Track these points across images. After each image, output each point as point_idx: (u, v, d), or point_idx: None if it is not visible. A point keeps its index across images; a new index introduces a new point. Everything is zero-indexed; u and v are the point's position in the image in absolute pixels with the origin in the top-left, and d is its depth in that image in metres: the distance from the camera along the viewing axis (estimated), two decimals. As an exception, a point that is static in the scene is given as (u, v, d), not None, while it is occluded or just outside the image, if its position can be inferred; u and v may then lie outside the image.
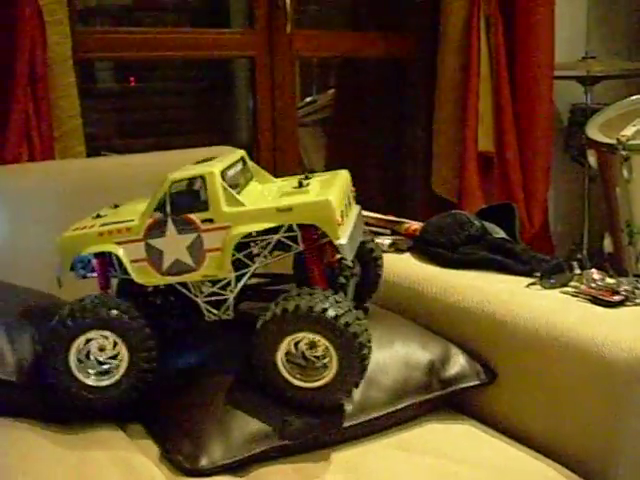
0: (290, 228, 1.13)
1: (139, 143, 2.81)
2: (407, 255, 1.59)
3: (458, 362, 1.30)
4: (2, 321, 1.24)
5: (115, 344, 1.14)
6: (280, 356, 1.11)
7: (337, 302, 1.08)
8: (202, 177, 1.13)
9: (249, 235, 1.13)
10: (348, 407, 1.18)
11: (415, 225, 1.62)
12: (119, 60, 2.38)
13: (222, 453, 1.09)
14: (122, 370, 1.15)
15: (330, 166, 3.04)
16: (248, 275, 1.18)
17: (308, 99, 3.18)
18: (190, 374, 1.25)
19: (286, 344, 1.10)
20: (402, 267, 1.54)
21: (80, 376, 1.15)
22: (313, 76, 3.29)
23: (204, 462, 1.08)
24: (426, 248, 1.55)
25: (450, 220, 1.54)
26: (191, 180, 1.15)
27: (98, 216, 1.26)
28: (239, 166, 1.25)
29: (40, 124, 1.84)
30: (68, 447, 1.13)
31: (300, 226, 1.13)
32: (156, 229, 1.15)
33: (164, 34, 2.28)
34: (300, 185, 1.18)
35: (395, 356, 1.27)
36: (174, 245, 1.15)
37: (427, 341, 1.32)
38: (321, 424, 1.15)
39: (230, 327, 1.25)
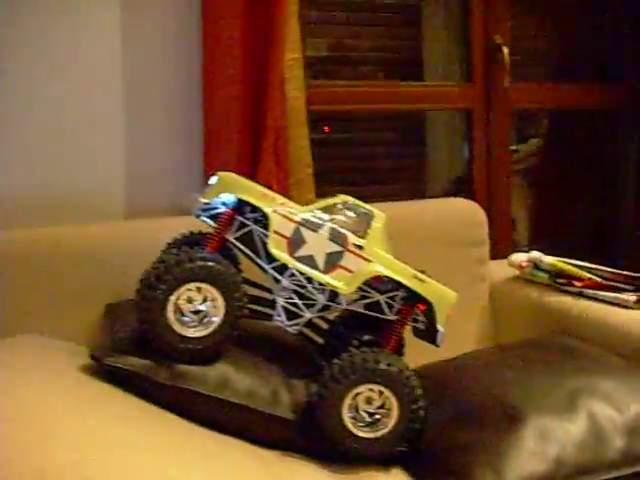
0: (392, 298, 1.30)
1: (333, 191, 2.88)
2: (654, 311, 1.57)
3: None
4: (277, 361, 1.33)
5: (205, 299, 1.21)
6: (345, 408, 1.21)
7: (399, 360, 1.25)
8: (371, 213, 1.31)
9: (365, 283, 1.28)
10: (613, 456, 1.18)
11: (660, 281, 1.59)
12: (345, 112, 2.48)
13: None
14: (219, 320, 1.22)
15: (534, 216, 3.02)
16: (333, 310, 1.33)
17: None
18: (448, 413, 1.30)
19: (352, 396, 1.21)
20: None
21: (177, 327, 1.21)
22: (513, 125, 3.28)
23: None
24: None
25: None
26: (359, 210, 1.31)
27: None
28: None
29: (279, 174, 1.95)
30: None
31: (404, 301, 1.29)
32: (313, 223, 1.28)
33: (387, 87, 2.39)
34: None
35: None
36: (318, 244, 1.27)
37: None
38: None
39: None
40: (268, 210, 1.27)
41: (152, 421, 1.12)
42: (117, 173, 1.92)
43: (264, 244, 1.30)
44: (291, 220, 1.27)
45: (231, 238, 1.32)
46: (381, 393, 1.23)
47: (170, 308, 1.20)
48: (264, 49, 1.87)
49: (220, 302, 1.22)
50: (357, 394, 1.22)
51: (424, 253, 1.73)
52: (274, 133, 1.89)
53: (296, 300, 1.31)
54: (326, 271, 1.27)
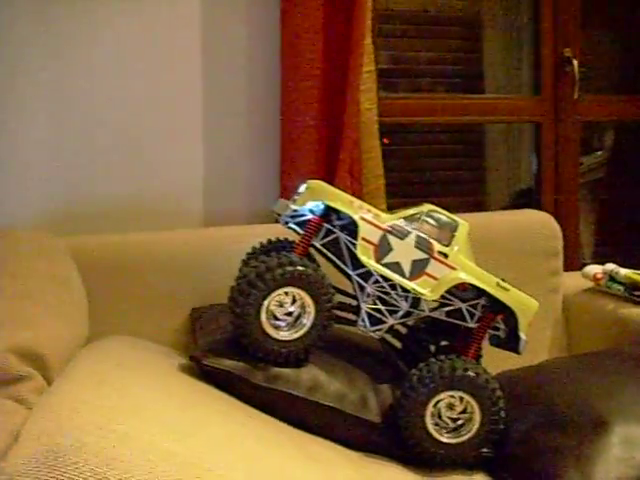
0: (474, 306, 1.33)
1: (395, 202, 2.89)
2: None
3: None
4: (363, 365, 1.37)
5: (294, 300, 1.24)
6: (428, 415, 1.24)
7: (476, 365, 1.28)
8: (455, 222, 1.34)
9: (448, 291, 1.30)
10: None
11: None
12: (411, 125, 2.51)
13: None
14: (310, 323, 1.25)
15: (599, 229, 3.01)
16: (414, 317, 1.35)
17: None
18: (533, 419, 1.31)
19: (433, 403, 1.24)
20: None
21: (270, 331, 1.24)
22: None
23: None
24: None
25: None
26: (443, 219, 1.33)
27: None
28: None
29: (353, 184, 1.99)
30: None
31: (485, 309, 1.32)
32: (399, 231, 1.30)
33: (454, 100, 2.41)
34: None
35: None
36: (404, 251, 1.29)
37: None
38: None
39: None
40: (356, 217, 1.30)
41: (254, 420, 1.16)
42: (196, 181, 1.98)
43: (350, 251, 1.33)
44: (378, 227, 1.30)
45: (317, 244, 1.35)
46: (462, 399, 1.26)
47: (263, 313, 1.23)
48: (342, 62, 1.91)
49: (311, 306, 1.25)
50: (438, 401, 1.25)
51: (498, 263, 1.74)
52: (350, 145, 1.93)
53: (380, 306, 1.34)
54: (412, 278, 1.29)
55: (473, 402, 1.25)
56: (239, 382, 1.23)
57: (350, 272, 1.34)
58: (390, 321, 1.34)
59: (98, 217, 1.87)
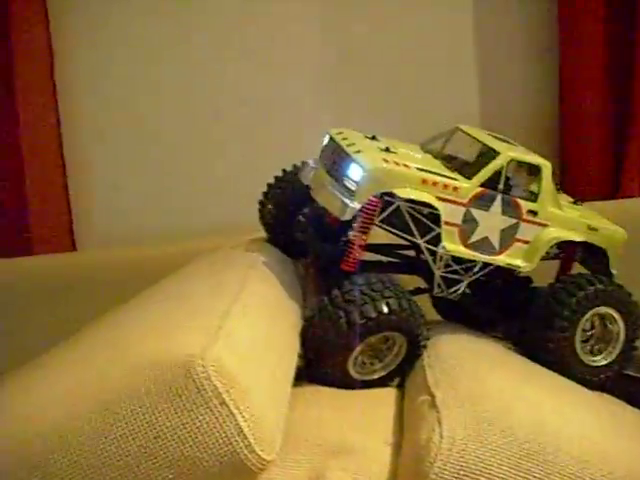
0: None
1: None
2: None
3: None
4: None
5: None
6: (578, 334, 1.14)
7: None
8: (538, 166, 1.15)
9: None
10: None
11: None
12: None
13: None
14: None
15: None
16: (490, 268, 1.18)
17: None
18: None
19: (584, 321, 1.14)
20: None
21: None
22: None
23: None
24: None
25: None
26: (526, 165, 1.15)
27: (387, 149, 1.13)
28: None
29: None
30: None
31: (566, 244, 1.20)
32: (483, 201, 1.13)
33: None
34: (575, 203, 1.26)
35: None
36: (492, 223, 1.14)
37: None
38: None
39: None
40: (436, 203, 1.10)
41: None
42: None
43: (414, 218, 1.12)
44: (460, 204, 1.12)
45: (377, 222, 1.12)
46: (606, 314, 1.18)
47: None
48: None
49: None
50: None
51: None
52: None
53: (454, 267, 1.18)
54: (501, 250, 1.16)
55: (617, 316, 1.18)
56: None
57: (419, 241, 1.14)
58: (466, 279, 1.19)
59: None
